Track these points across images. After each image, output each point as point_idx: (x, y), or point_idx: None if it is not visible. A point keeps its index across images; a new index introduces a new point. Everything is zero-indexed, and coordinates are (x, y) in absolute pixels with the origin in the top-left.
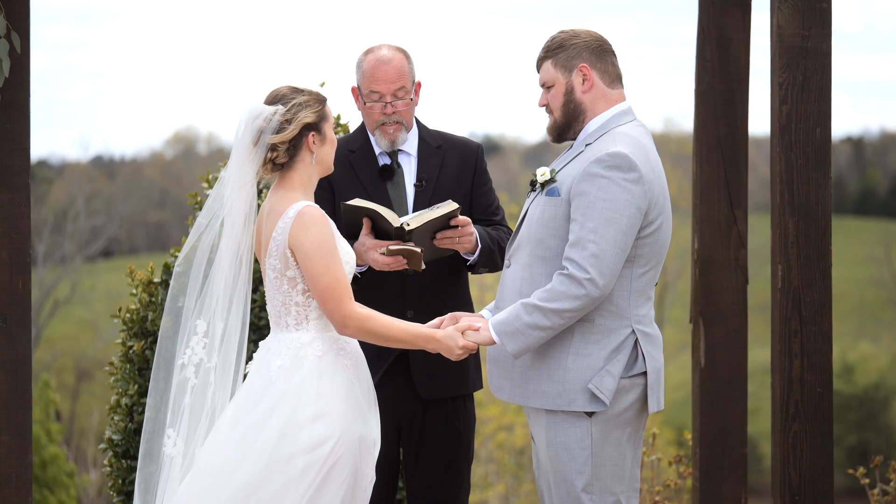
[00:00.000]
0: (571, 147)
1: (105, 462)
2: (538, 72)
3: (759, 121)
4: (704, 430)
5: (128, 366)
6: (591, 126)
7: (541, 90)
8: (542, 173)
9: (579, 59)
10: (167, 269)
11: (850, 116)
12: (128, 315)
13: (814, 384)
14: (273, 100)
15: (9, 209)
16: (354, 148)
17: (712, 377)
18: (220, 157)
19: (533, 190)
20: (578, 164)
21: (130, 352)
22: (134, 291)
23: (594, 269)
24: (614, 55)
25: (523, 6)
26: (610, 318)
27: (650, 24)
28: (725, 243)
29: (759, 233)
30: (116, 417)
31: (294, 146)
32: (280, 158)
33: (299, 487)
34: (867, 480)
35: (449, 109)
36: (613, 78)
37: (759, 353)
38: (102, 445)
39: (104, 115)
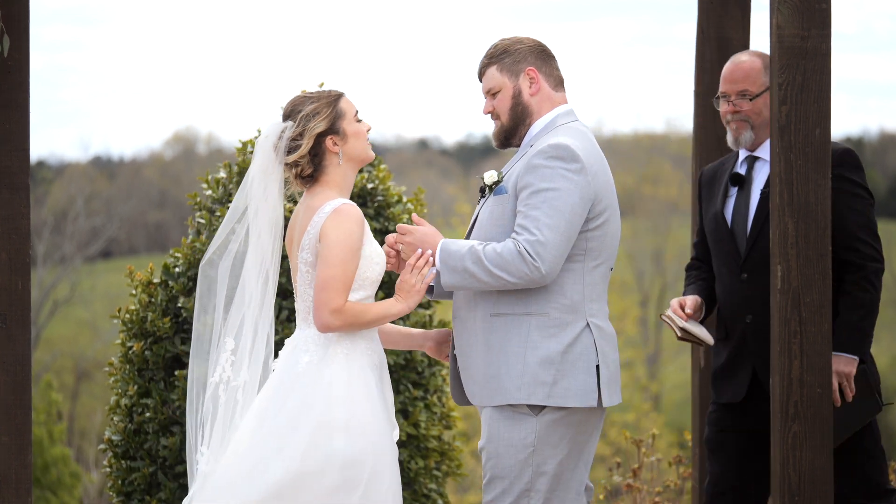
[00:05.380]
0: (517, 151)
1: (105, 462)
2: (480, 80)
3: None
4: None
5: (127, 366)
6: (536, 128)
7: (485, 99)
8: (490, 176)
9: (525, 62)
10: (167, 270)
11: (847, 117)
12: (127, 316)
13: (813, 385)
14: (286, 113)
15: (8, 209)
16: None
17: None
18: (219, 157)
19: (483, 196)
20: (523, 161)
21: (130, 352)
22: (133, 292)
23: (538, 257)
24: (556, 59)
25: (522, 6)
26: (565, 312)
27: (650, 24)
28: None
29: None
30: (116, 418)
31: (315, 155)
32: (305, 171)
33: (337, 498)
34: None
35: (448, 110)
36: (557, 81)
37: None
38: (102, 446)
39: (103, 115)
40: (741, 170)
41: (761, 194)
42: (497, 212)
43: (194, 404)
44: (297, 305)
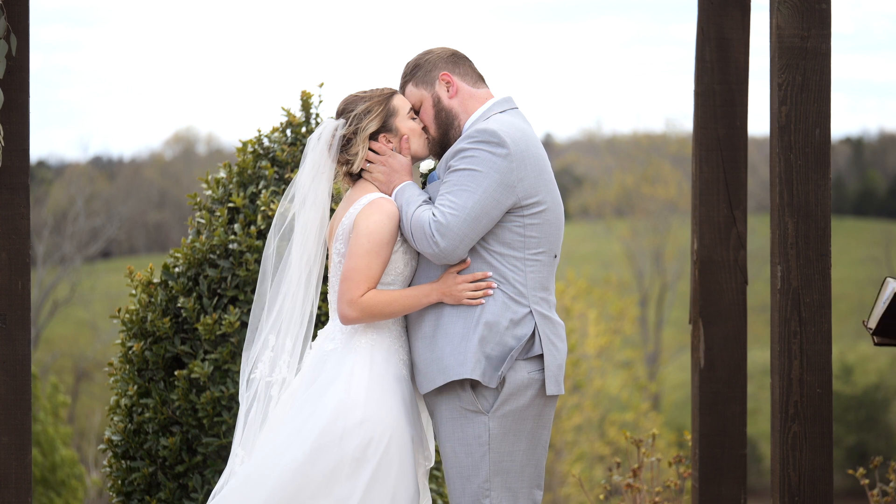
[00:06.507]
0: None
1: (105, 463)
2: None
3: (759, 121)
4: (704, 430)
5: (127, 366)
6: (469, 122)
7: (416, 117)
8: (427, 165)
9: (437, 69)
10: (166, 270)
11: (845, 117)
12: (127, 316)
13: (813, 385)
14: (339, 111)
15: (8, 210)
16: None
17: (712, 378)
18: (219, 157)
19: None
20: (452, 146)
21: (130, 352)
22: (133, 292)
23: (438, 234)
24: (470, 60)
25: (521, 7)
26: (512, 294)
27: (649, 24)
28: (725, 244)
29: (759, 233)
30: (116, 418)
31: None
32: (355, 168)
33: (348, 472)
34: (867, 481)
35: None
36: (476, 78)
37: (759, 354)
38: (102, 446)
39: (102, 115)
40: None
41: None
42: (434, 198)
43: (242, 399)
44: (329, 297)
